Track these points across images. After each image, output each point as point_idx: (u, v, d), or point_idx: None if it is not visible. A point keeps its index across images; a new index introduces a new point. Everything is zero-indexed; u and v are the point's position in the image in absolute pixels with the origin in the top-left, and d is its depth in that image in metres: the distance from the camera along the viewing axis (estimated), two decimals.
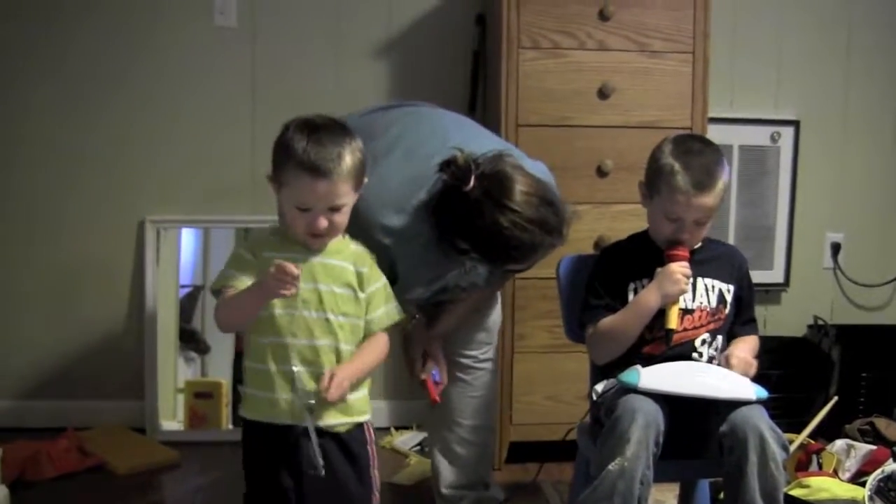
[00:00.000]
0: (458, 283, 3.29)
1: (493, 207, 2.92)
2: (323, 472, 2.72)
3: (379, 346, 2.92)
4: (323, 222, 2.71)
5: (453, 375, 3.57)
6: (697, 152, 3.12)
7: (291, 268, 2.57)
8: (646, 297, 3.12)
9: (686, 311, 3.15)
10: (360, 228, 2.97)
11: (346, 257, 2.84)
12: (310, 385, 2.75)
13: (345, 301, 2.81)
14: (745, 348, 3.19)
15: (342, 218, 2.77)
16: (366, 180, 2.82)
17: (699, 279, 3.18)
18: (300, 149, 2.66)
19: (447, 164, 2.99)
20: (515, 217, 2.92)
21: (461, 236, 3.01)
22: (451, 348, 3.55)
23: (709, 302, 3.18)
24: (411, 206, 3.08)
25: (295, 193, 2.70)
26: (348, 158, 2.70)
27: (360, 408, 2.87)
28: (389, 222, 3.06)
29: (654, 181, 3.16)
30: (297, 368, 2.75)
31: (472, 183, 2.95)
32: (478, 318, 3.61)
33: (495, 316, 3.70)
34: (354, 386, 2.83)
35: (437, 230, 3.05)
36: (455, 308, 3.47)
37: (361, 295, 2.85)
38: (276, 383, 2.75)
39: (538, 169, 3.25)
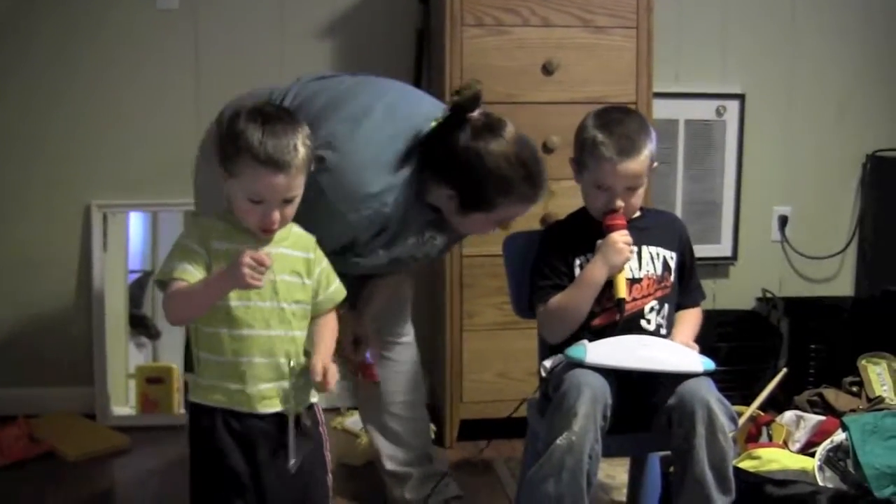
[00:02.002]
0: (413, 254, 3.33)
1: (489, 135, 3.07)
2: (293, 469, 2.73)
3: (333, 325, 2.91)
4: (276, 216, 2.68)
5: (377, 355, 3.60)
6: (618, 121, 3.16)
7: (267, 259, 2.55)
8: (592, 271, 3.13)
9: (634, 281, 3.16)
10: (343, 189, 3.03)
11: (292, 244, 2.81)
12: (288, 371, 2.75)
13: (295, 289, 2.79)
14: (687, 332, 3.23)
15: (293, 209, 2.73)
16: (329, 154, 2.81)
17: (643, 247, 3.20)
18: (256, 141, 2.60)
19: (459, 91, 3.10)
20: (507, 148, 3.06)
21: (445, 170, 3.10)
22: (374, 328, 3.58)
23: (655, 269, 3.20)
24: (392, 162, 3.11)
25: (249, 186, 2.65)
26: (302, 149, 2.66)
27: (307, 392, 2.85)
28: (376, 180, 3.09)
29: (581, 155, 3.21)
30: (286, 361, 2.75)
31: (477, 112, 3.09)
32: (395, 296, 3.66)
33: (408, 293, 3.76)
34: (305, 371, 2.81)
35: (419, 168, 3.13)
36: (381, 290, 3.53)
37: (308, 281, 2.82)
38: (234, 374, 2.72)
39: None
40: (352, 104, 3.17)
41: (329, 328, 2.90)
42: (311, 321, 2.87)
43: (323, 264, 2.88)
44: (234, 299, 2.67)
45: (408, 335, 3.75)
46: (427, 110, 3.23)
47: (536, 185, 3.13)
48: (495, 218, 3.18)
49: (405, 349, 3.73)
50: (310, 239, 2.87)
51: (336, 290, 2.91)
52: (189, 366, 2.85)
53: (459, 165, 3.06)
